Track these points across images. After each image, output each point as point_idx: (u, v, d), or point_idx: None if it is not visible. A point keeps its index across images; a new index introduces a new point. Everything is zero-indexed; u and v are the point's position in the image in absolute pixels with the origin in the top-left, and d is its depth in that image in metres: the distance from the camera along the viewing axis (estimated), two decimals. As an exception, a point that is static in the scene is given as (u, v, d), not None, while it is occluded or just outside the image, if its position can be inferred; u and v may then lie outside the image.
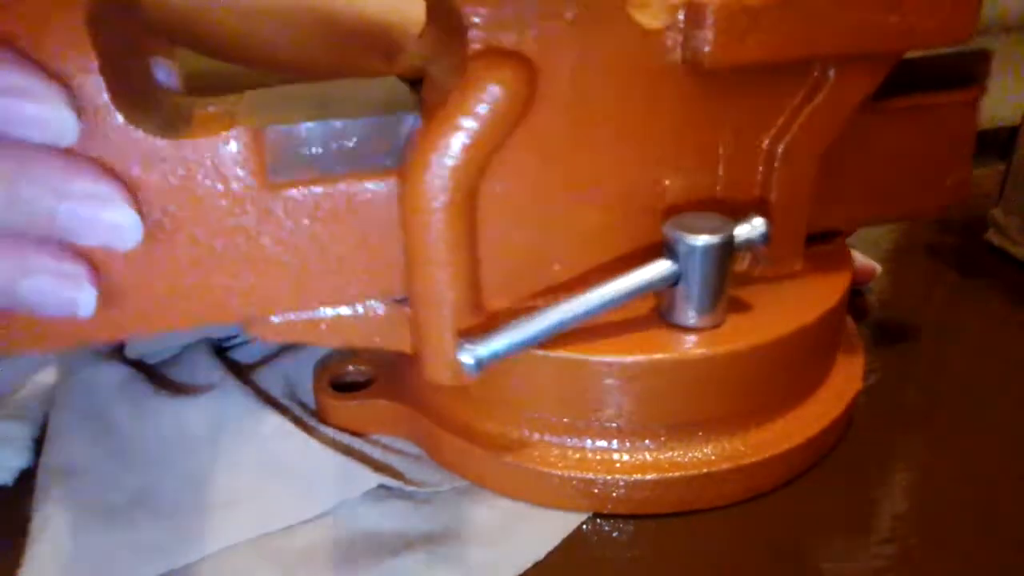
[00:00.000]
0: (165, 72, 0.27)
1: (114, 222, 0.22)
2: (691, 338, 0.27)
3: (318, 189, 0.25)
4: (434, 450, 0.30)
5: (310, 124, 0.25)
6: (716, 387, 0.27)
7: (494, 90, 0.23)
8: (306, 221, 0.25)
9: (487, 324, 0.26)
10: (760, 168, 0.28)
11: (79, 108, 0.21)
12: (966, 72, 0.30)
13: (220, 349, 0.37)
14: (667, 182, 0.28)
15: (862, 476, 0.29)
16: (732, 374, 0.27)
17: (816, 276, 0.30)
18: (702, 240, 0.26)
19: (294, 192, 0.25)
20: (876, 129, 0.30)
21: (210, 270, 0.25)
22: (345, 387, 0.33)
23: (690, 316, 0.27)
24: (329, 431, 0.31)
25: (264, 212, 0.25)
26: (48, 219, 0.21)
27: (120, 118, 0.22)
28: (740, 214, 0.28)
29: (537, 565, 0.26)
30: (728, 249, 0.26)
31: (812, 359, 0.30)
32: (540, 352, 0.26)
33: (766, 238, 0.27)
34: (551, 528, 0.27)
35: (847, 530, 0.27)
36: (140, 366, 0.36)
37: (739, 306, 0.28)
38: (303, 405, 0.33)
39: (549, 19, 0.24)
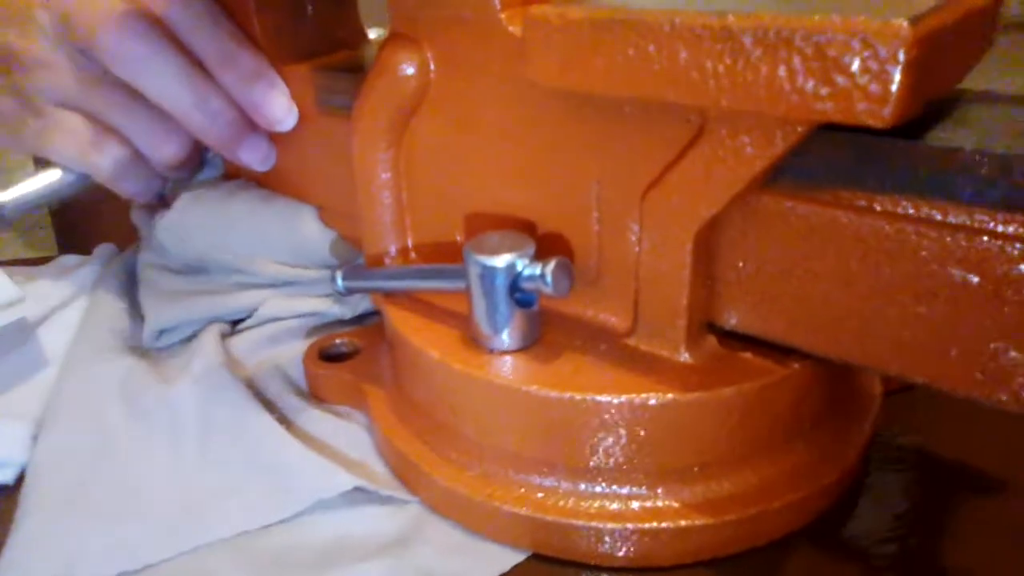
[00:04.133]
0: None
1: (283, 108, 0.35)
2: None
3: (338, 120, 0.33)
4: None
5: (329, 72, 0.34)
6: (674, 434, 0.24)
7: (396, 66, 0.28)
8: (335, 141, 0.34)
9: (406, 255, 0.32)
10: (635, 222, 0.24)
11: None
12: None
13: (235, 323, 0.38)
14: (537, 198, 0.27)
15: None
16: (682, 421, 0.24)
17: None
18: (478, 258, 0.25)
19: (327, 120, 0.35)
20: (885, 240, 0.20)
21: (295, 161, 0.37)
22: (333, 358, 0.34)
23: (476, 333, 0.26)
24: (315, 431, 0.31)
25: (317, 130, 0.36)
26: (247, 93, 0.35)
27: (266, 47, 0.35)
28: (612, 264, 0.25)
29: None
30: (506, 278, 0.24)
31: (772, 424, 0.25)
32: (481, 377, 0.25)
33: (549, 283, 0.24)
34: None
35: (846, 533, 0.26)
36: (142, 355, 0.36)
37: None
38: (301, 392, 0.33)
39: (435, 18, 0.27)
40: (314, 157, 0.37)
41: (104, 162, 0.38)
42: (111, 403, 0.33)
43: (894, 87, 0.17)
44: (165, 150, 0.38)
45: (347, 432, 0.31)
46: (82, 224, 0.43)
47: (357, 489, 0.27)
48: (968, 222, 0.19)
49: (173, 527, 0.27)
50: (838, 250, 0.22)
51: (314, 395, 0.34)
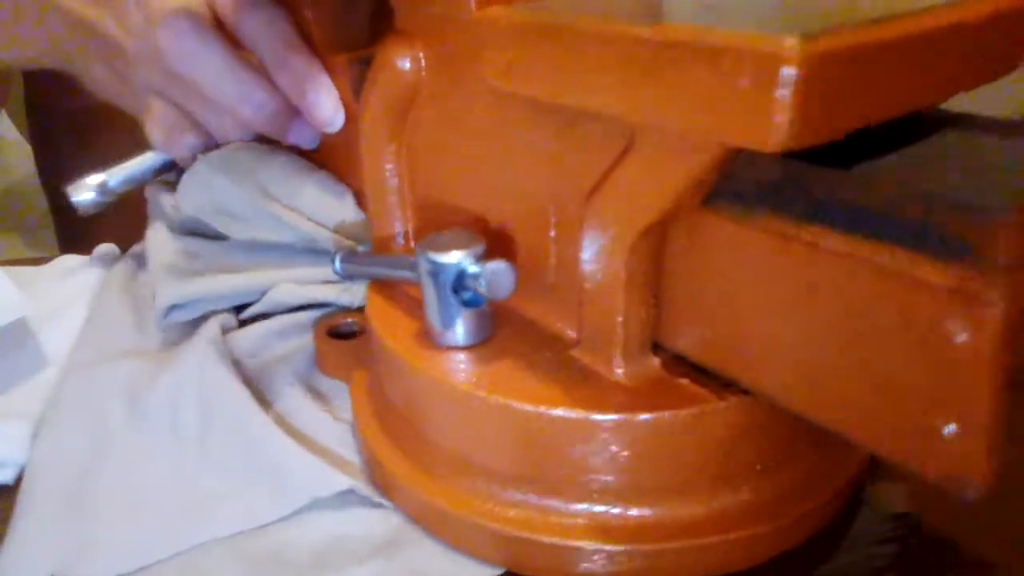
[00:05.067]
0: None
1: (329, 111, 0.36)
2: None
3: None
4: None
5: (362, 63, 0.34)
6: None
7: (392, 61, 0.29)
8: None
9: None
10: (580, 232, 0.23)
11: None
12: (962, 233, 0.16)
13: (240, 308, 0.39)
14: (505, 200, 0.26)
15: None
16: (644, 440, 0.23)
17: None
18: (426, 254, 0.25)
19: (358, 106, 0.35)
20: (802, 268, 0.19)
21: (336, 146, 0.39)
22: (344, 336, 0.35)
23: (428, 327, 0.26)
24: (313, 430, 0.31)
25: (354, 118, 0.35)
26: (298, 96, 0.37)
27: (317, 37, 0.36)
28: (566, 272, 0.25)
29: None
30: (450, 275, 0.25)
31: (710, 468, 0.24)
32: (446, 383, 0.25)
33: (484, 286, 0.24)
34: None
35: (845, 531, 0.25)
36: (145, 357, 0.36)
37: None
38: (302, 390, 0.33)
39: (425, 15, 0.27)
40: (351, 143, 0.39)
41: (181, 151, 0.42)
42: (113, 403, 0.33)
43: (780, 113, 0.15)
44: (233, 137, 0.41)
45: (343, 432, 0.31)
46: (83, 224, 0.45)
47: (352, 490, 0.27)
48: (891, 264, 0.17)
49: (171, 527, 0.27)
50: (771, 280, 0.20)
51: (321, 369, 0.35)
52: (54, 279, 0.43)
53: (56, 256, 0.46)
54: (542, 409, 0.23)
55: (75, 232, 0.53)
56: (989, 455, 0.17)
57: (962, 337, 0.17)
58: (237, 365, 0.35)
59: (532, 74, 0.21)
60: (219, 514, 0.27)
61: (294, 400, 0.33)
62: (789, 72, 0.15)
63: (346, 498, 0.27)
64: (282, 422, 0.31)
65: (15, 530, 0.27)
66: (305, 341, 0.37)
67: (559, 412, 0.23)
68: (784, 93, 0.15)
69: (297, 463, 0.28)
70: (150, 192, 0.46)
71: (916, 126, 0.21)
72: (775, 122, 0.15)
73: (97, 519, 0.27)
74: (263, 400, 0.33)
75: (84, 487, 0.29)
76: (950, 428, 0.18)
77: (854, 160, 0.19)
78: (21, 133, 0.63)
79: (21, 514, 0.28)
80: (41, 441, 0.31)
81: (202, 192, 0.40)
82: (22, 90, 0.66)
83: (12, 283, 0.39)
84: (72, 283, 0.42)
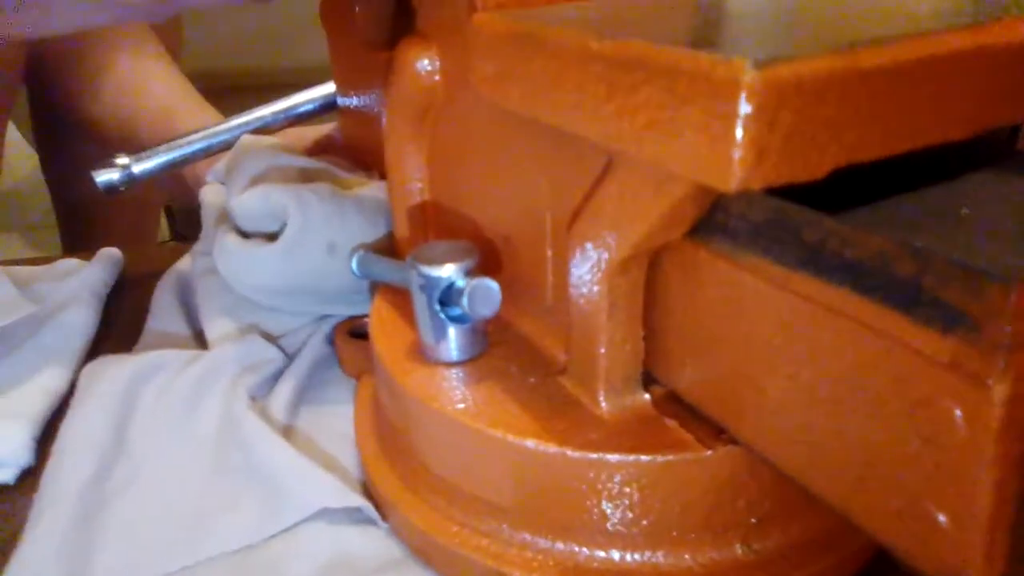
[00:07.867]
0: None
1: None
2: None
3: None
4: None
5: None
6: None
7: (409, 64, 0.28)
8: None
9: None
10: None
11: None
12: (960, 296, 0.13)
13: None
14: (508, 215, 0.26)
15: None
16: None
17: None
18: (416, 265, 0.24)
19: None
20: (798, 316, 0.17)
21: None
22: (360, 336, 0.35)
23: (421, 340, 0.25)
24: (330, 446, 0.30)
25: None
26: None
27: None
28: (561, 294, 0.23)
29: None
30: (435, 289, 0.24)
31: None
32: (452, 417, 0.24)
33: (464, 303, 0.23)
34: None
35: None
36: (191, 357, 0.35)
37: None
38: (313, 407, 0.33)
39: (439, 18, 0.27)
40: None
41: None
42: (144, 387, 0.33)
43: (735, 149, 0.13)
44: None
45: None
46: (88, 226, 0.43)
47: (358, 509, 0.27)
48: (882, 327, 0.15)
49: (180, 540, 0.26)
50: (761, 326, 0.18)
51: (341, 367, 0.35)
52: (54, 279, 0.42)
53: (58, 257, 0.45)
54: (512, 438, 0.21)
55: (79, 233, 0.49)
56: (989, 553, 0.15)
57: (959, 419, 0.14)
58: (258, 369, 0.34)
59: (513, 87, 0.20)
60: (226, 528, 0.26)
61: (308, 407, 0.32)
62: (750, 102, 0.13)
63: (353, 515, 0.27)
64: (295, 433, 0.31)
65: (25, 543, 0.26)
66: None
67: (530, 443, 0.21)
68: (740, 126, 0.13)
69: (309, 478, 0.27)
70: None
71: (948, 162, 0.18)
72: (733, 158, 0.13)
73: (110, 531, 0.26)
74: (281, 407, 0.32)
75: (98, 488, 0.28)
76: (943, 518, 0.15)
77: (860, 201, 0.16)
78: (24, 137, 0.62)
79: (34, 520, 0.27)
80: (70, 422, 0.31)
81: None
82: (25, 96, 0.64)
83: (12, 283, 0.39)
84: (72, 283, 0.41)
